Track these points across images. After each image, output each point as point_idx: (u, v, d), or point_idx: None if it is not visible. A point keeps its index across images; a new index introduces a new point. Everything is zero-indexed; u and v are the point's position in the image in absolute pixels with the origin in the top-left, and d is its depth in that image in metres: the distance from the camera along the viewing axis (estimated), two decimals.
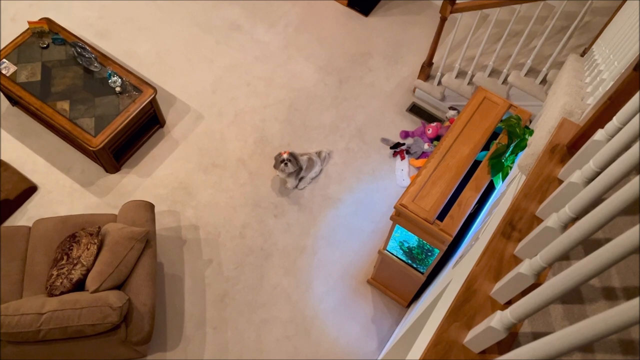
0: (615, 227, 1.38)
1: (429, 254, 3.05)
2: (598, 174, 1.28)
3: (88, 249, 3.15)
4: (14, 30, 4.82)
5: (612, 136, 1.34)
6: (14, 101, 4.43)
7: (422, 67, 4.42)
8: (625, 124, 1.29)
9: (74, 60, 4.18)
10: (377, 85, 4.76)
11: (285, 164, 3.91)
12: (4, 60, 4.13)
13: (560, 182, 1.61)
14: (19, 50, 4.20)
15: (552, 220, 1.28)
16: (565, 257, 1.40)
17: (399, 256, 3.30)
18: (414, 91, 4.71)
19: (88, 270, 3.11)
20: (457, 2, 3.77)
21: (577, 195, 1.23)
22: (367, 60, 4.89)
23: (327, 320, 3.76)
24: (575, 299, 1.30)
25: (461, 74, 4.30)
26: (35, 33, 4.26)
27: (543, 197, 1.58)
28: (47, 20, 4.35)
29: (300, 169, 4.07)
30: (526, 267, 1.22)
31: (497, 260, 1.48)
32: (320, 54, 4.92)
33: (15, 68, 4.10)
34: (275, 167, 3.99)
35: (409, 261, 3.28)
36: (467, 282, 1.45)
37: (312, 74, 4.81)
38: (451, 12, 3.80)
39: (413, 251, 3.14)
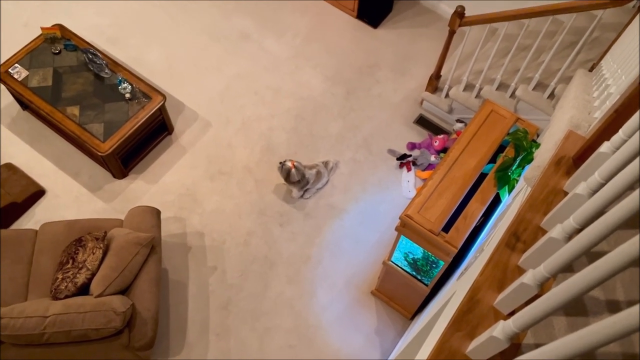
0: (621, 240, 1.37)
1: (434, 265, 3.04)
2: (603, 185, 1.28)
3: (93, 254, 3.16)
4: (27, 35, 4.88)
5: (618, 148, 1.34)
6: (24, 105, 4.48)
7: (430, 79, 4.43)
8: (631, 136, 1.29)
9: (85, 66, 4.23)
10: (384, 96, 4.78)
11: (282, 165, 3.94)
12: (17, 65, 4.18)
13: (566, 194, 1.61)
14: (32, 55, 4.25)
15: (557, 231, 1.28)
16: (570, 269, 1.39)
17: (404, 267, 3.29)
18: (421, 103, 4.72)
19: (93, 275, 3.12)
20: (465, 15, 3.79)
21: (582, 206, 1.23)
22: (375, 72, 4.92)
23: (330, 330, 3.74)
24: (579, 311, 1.30)
25: (469, 87, 4.30)
26: (48, 39, 4.32)
27: (548, 209, 1.57)
28: (60, 27, 4.41)
29: (307, 182, 4.08)
30: (530, 278, 1.22)
31: (501, 271, 1.48)
32: (328, 65, 4.95)
33: (27, 73, 4.16)
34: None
35: (414, 273, 3.27)
36: (471, 292, 1.45)
37: (320, 84, 4.83)
38: (460, 26, 3.82)
39: (418, 263, 3.13)
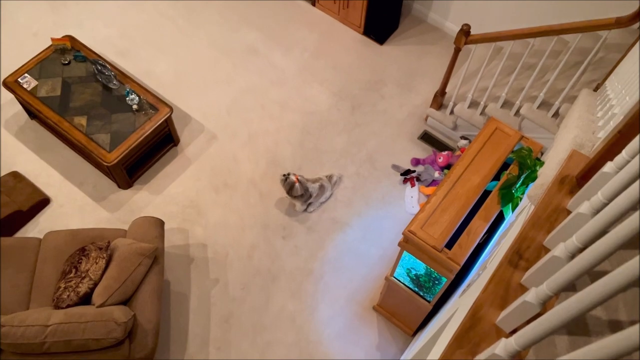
0: (623, 260, 1.37)
1: (436, 282, 3.04)
2: (606, 205, 1.29)
3: (96, 263, 3.17)
4: (37, 46, 4.94)
5: (621, 169, 1.35)
6: (32, 115, 4.52)
7: (435, 96, 4.45)
8: (634, 157, 1.29)
9: (94, 77, 4.27)
10: (389, 112, 4.80)
11: (286, 178, 3.94)
12: (26, 74, 4.23)
13: (569, 213, 1.62)
14: (41, 65, 4.30)
15: (560, 250, 1.28)
16: (572, 288, 1.39)
17: (406, 283, 3.29)
18: (426, 119, 4.74)
19: (95, 284, 3.13)
20: (471, 33, 3.82)
21: (585, 225, 1.23)
22: (380, 88, 4.95)
23: (331, 346, 3.72)
24: (581, 330, 1.29)
25: (473, 104, 4.32)
26: (58, 50, 4.37)
27: (551, 227, 1.58)
28: (70, 38, 4.46)
29: (310, 195, 4.09)
30: (532, 296, 1.22)
31: (503, 289, 1.48)
32: (334, 80, 4.98)
33: (36, 83, 4.20)
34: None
35: (416, 289, 3.26)
36: (473, 309, 1.45)
37: (326, 99, 4.86)
38: (465, 44, 3.85)
39: (420, 279, 3.13)
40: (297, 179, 3.94)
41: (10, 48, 4.99)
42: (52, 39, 4.35)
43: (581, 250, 1.26)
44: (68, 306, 3.06)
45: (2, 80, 4.31)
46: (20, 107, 4.57)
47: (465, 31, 3.79)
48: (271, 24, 5.33)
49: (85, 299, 3.12)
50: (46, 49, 4.39)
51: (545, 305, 1.25)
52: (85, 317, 2.91)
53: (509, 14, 4.66)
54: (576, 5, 4.19)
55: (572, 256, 1.27)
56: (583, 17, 3.87)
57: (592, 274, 1.37)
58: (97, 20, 5.25)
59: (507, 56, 3.88)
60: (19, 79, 4.21)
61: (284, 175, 3.97)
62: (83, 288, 3.10)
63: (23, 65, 4.29)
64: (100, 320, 2.90)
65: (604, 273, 1.36)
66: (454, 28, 5.19)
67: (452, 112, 4.47)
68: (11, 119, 4.58)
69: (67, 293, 3.09)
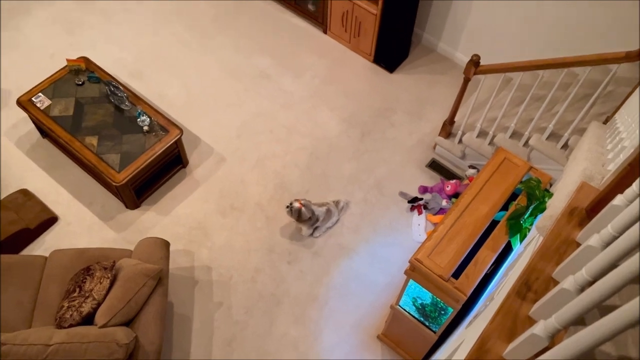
0: (633, 294, 1.35)
1: (442, 312, 3.00)
2: (616, 238, 1.28)
3: (101, 283, 3.16)
4: (52, 66, 5.03)
5: (632, 202, 1.34)
6: (44, 133, 4.57)
7: (444, 124, 4.47)
8: None
9: (107, 98, 4.33)
10: (398, 139, 4.82)
11: (290, 209, 3.94)
12: (40, 94, 4.30)
13: (578, 245, 1.60)
14: (55, 85, 4.37)
15: (569, 283, 1.27)
16: (582, 322, 1.37)
17: (412, 313, 3.25)
18: (434, 148, 4.75)
19: (99, 304, 3.11)
20: (481, 64, 3.85)
21: (594, 258, 1.22)
22: (390, 115, 4.97)
23: None
24: None
25: (482, 133, 4.33)
26: (72, 70, 4.44)
27: (560, 259, 1.56)
28: (85, 59, 4.54)
29: (317, 219, 4.08)
30: (540, 328, 1.20)
31: (511, 320, 1.46)
32: (344, 106, 5.02)
33: (50, 102, 4.26)
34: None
35: (422, 319, 3.21)
36: (480, 341, 1.43)
37: (336, 125, 4.89)
38: (475, 74, 3.87)
39: (426, 308, 3.09)
40: (301, 203, 3.94)
41: (27, 68, 5.08)
42: (67, 60, 4.42)
43: (591, 283, 1.24)
44: (70, 326, 3.04)
45: (15, 99, 4.38)
46: (32, 125, 4.62)
47: (474, 61, 3.82)
48: (283, 51, 5.40)
49: (88, 319, 3.10)
50: (61, 69, 4.47)
51: (554, 338, 1.23)
52: (88, 337, 2.89)
53: (518, 45, 4.70)
54: (586, 38, 4.22)
55: (582, 289, 1.26)
56: (593, 49, 3.90)
57: (602, 308, 1.35)
58: (112, 42, 5.35)
59: (517, 87, 3.89)
60: (33, 98, 4.27)
61: (287, 206, 3.97)
62: (86, 308, 3.08)
63: (37, 85, 4.36)
64: (102, 341, 2.87)
65: (613, 307, 1.34)
66: (463, 58, 5.24)
67: (460, 141, 4.47)
68: (23, 137, 4.63)
69: (70, 312, 3.08)
